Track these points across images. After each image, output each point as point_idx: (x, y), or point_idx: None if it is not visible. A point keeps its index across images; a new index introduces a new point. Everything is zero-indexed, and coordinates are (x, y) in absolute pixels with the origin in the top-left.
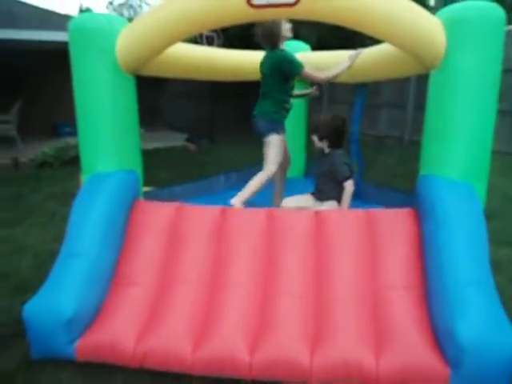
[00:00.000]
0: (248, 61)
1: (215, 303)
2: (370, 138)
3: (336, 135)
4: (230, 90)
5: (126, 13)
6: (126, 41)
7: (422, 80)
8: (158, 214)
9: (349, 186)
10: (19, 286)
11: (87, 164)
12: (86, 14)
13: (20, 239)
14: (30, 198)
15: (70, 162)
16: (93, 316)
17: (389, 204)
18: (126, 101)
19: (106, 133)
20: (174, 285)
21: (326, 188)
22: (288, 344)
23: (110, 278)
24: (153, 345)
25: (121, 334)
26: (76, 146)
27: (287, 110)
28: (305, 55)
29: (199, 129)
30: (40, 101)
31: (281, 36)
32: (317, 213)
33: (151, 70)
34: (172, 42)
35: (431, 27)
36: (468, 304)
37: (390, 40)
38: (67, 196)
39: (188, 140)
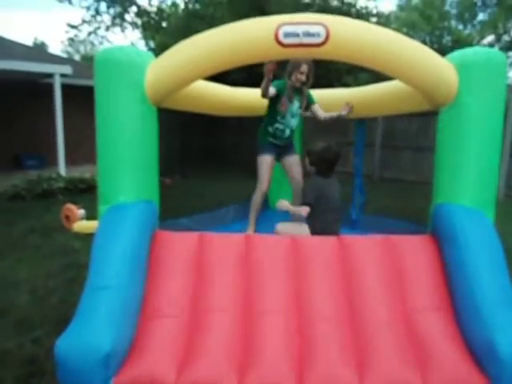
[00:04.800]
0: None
1: (253, 331)
2: (341, 175)
3: (324, 165)
4: (198, 126)
5: (82, 49)
6: (156, 74)
7: (389, 121)
8: (180, 244)
9: (303, 210)
10: (22, 324)
11: (107, 194)
12: (114, 47)
13: (9, 274)
14: (8, 232)
15: (43, 195)
16: (127, 350)
17: (390, 232)
18: (151, 131)
19: (130, 163)
20: (206, 315)
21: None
22: (335, 370)
23: (139, 311)
24: (196, 378)
25: (160, 368)
26: (49, 179)
27: (273, 133)
28: None
29: (170, 164)
30: (2, 133)
31: (291, 75)
32: (339, 238)
33: (171, 103)
34: (201, 76)
35: (445, 70)
36: (502, 321)
37: (406, 81)
38: (48, 230)
39: (162, 175)
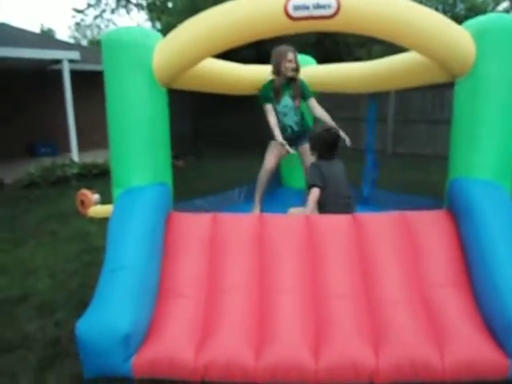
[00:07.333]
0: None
1: (268, 310)
2: (353, 152)
3: (324, 149)
4: (210, 106)
5: (89, 33)
6: (164, 54)
7: (402, 94)
8: (194, 225)
9: (312, 193)
10: (43, 308)
11: (120, 178)
12: (121, 28)
13: (29, 260)
14: (26, 219)
15: (57, 182)
16: (146, 330)
17: (405, 208)
18: (161, 113)
19: (142, 146)
20: (221, 294)
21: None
22: (351, 346)
23: (156, 291)
24: (213, 356)
25: (179, 347)
26: (63, 166)
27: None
28: (310, 69)
29: (183, 145)
30: (15, 122)
31: (280, 68)
32: (354, 216)
33: (180, 84)
34: (208, 55)
35: (461, 39)
36: None
37: (422, 51)
38: (64, 216)
39: (175, 157)
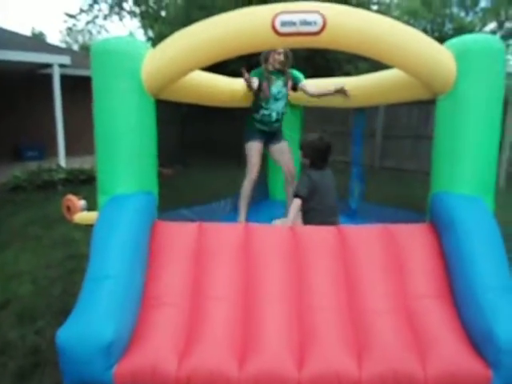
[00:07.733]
0: None
1: (252, 320)
2: (342, 165)
3: (317, 156)
4: (199, 116)
5: (80, 38)
6: (153, 64)
7: (390, 109)
8: (179, 234)
9: (294, 202)
10: (25, 315)
11: (106, 185)
12: (110, 38)
13: (12, 264)
14: (11, 222)
15: (44, 187)
16: (128, 339)
17: (390, 221)
18: (149, 123)
19: (128, 154)
20: (205, 303)
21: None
22: (334, 357)
23: (140, 300)
24: (196, 366)
25: (161, 357)
26: (49, 171)
27: (259, 119)
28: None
29: (171, 154)
30: (1, 125)
31: (268, 57)
32: (339, 228)
33: (167, 95)
34: (197, 66)
35: (443, 58)
36: (500, 308)
37: (404, 69)
38: (49, 221)
39: (162, 165)
